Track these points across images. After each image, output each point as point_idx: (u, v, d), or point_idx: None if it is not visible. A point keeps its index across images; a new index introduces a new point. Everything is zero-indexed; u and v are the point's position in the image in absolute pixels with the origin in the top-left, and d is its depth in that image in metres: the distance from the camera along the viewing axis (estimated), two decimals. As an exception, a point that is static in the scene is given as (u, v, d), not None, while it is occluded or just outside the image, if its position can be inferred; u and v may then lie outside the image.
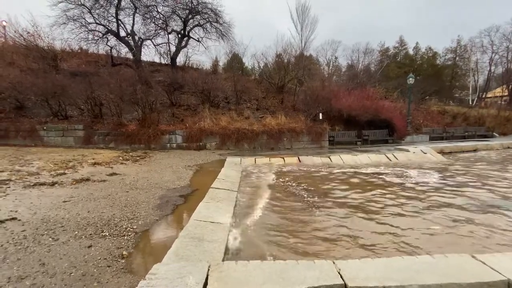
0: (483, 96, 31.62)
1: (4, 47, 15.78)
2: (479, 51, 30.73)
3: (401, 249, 3.14)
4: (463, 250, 2.78)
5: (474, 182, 6.56)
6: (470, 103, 29.16)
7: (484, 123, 20.04)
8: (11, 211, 3.82)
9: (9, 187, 4.97)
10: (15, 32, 15.32)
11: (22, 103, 12.49)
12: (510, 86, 29.33)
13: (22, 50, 15.00)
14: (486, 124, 19.87)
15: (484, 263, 2.28)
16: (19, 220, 3.53)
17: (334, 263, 2.26)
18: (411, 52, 34.25)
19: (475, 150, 12.98)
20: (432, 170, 8.16)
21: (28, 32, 15.20)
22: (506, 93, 29.93)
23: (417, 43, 34.05)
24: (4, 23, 16.38)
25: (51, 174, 6.15)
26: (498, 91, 32.43)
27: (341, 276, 2.05)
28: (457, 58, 32.61)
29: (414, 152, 10.96)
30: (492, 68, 30.88)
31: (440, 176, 7.26)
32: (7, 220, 3.49)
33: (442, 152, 11.83)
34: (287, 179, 7.00)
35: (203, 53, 25.60)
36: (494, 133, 19.06)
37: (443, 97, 28.17)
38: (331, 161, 9.69)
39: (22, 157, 8.03)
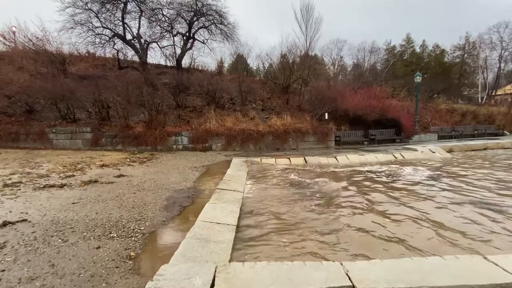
0: (493, 93, 31.00)
1: (14, 52, 16.11)
2: (488, 48, 30.11)
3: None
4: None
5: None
6: (480, 101, 28.62)
7: (494, 121, 19.64)
8: (21, 212, 3.89)
9: (19, 189, 5.06)
10: (24, 37, 15.65)
11: (32, 106, 12.73)
12: (521, 83, 28.72)
13: (31, 54, 15.30)
14: (496, 122, 19.48)
15: (496, 264, 2.23)
16: (29, 221, 3.59)
17: (342, 264, 2.24)
18: (418, 50, 33.80)
19: (485, 149, 12.74)
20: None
21: (37, 37, 15.52)
22: (517, 91, 29.33)
23: (423, 40, 33.60)
24: (13, 29, 16.73)
25: (60, 176, 6.25)
26: (508, 88, 31.79)
27: (349, 278, 2.03)
28: (465, 55, 32.03)
29: (422, 152, 10.82)
30: (502, 65, 30.24)
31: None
32: (17, 221, 3.56)
33: (451, 151, 11.65)
34: (293, 178, 6.97)
35: (208, 54, 25.78)
36: (504, 131, 18.67)
37: (452, 95, 27.72)
38: (337, 161, 9.62)
39: (32, 159, 8.18)
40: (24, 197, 4.65)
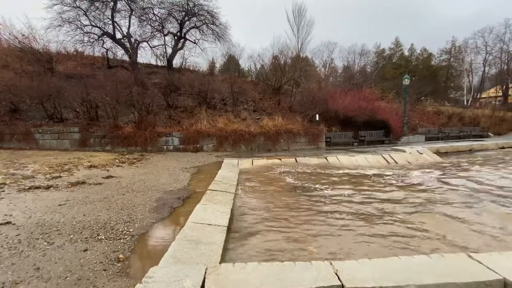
0: (478, 96, 31.96)
1: (-1, 49, 15.65)
2: (473, 52, 31.14)
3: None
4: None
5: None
6: (465, 103, 29.46)
7: (479, 123, 20.24)
8: (5, 215, 3.78)
9: (3, 191, 4.91)
10: (9, 34, 15.21)
11: (17, 106, 12.37)
12: (504, 86, 29.70)
13: (17, 52, 14.87)
14: (481, 124, 20.07)
15: (480, 262, 2.29)
16: (14, 224, 3.49)
17: (331, 264, 2.26)
18: (406, 53, 34.57)
19: (470, 150, 13.10)
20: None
21: (23, 35, 15.10)
22: (500, 94, 30.31)
23: (412, 44, 34.38)
24: (-2, 26, 16.25)
25: (46, 178, 6.09)
26: (492, 92, 32.82)
27: (338, 277, 2.05)
28: (451, 59, 32.95)
29: (410, 153, 11.03)
30: (486, 68, 31.30)
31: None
32: (1, 224, 3.45)
33: (438, 152, 11.92)
34: (284, 178, 7.00)
35: (199, 55, 25.63)
36: (489, 133, 19.25)
37: (438, 98, 28.45)
38: (327, 161, 9.72)
39: (17, 160, 7.95)
40: (8, 199, 4.51)
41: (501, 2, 46.80)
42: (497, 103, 27.50)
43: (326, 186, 6.31)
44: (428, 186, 6.27)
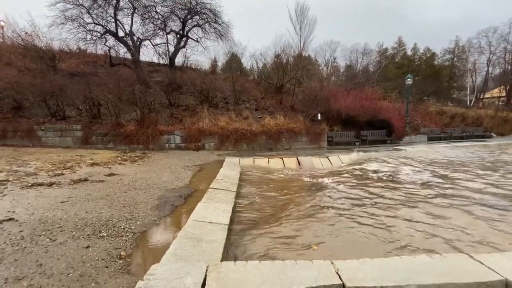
0: (481, 96, 31.79)
1: (2, 47, 15.72)
2: (477, 52, 31.01)
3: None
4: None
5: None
6: (468, 103, 29.32)
7: (482, 123, 20.15)
8: (8, 211, 3.80)
9: (6, 188, 4.94)
10: (13, 32, 15.30)
11: (20, 103, 12.43)
12: (508, 86, 29.52)
13: (20, 50, 14.94)
14: (484, 125, 19.97)
15: (482, 263, 2.29)
16: (17, 220, 3.51)
17: (332, 263, 2.27)
18: (409, 52, 34.43)
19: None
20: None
21: (26, 32, 15.18)
22: (504, 94, 30.13)
23: (415, 43, 34.26)
24: (2, 23, 16.32)
25: (48, 175, 6.12)
26: (495, 92, 32.64)
27: (339, 276, 2.05)
28: (455, 58, 32.81)
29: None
30: (490, 69, 31.16)
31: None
32: (4, 220, 3.47)
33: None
34: (285, 178, 7.01)
35: (201, 53, 25.59)
36: (491, 134, 19.16)
37: (441, 98, 28.34)
38: (329, 161, 9.71)
39: (19, 157, 7.99)
40: (11, 195, 4.54)
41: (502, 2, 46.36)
42: (500, 103, 27.35)
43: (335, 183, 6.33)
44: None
